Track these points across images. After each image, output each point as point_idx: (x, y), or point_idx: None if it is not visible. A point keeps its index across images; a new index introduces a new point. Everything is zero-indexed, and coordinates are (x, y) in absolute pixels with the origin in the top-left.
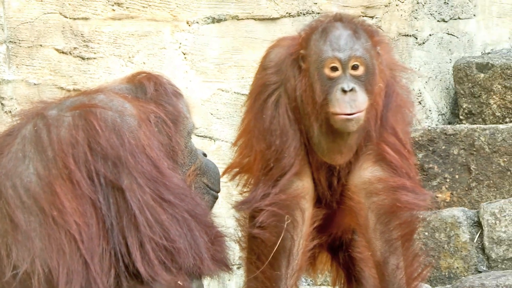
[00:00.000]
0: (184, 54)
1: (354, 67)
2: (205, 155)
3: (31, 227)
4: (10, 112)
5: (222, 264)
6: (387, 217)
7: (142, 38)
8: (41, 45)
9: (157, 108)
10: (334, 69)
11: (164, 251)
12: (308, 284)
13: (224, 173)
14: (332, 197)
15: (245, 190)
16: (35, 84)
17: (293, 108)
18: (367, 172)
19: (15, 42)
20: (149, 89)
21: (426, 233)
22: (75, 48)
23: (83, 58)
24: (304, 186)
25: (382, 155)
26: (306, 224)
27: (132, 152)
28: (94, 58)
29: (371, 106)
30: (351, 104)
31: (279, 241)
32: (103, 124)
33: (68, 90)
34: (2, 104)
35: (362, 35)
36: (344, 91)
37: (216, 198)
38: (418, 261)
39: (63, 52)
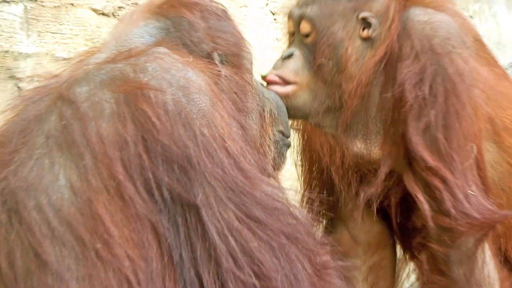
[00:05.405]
0: (273, 14)
1: None
2: (262, 84)
3: (65, 264)
4: None
5: None
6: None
7: None
8: (72, 4)
9: (220, 49)
10: None
11: None
12: None
13: None
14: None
15: None
16: (64, 58)
17: None
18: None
19: (36, 1)
20: (198, 24)
21: None
22: (120, 7)
23: None
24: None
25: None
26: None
27: (208, 148)
28: None
29: None
30: None
31: None
32: (161, 111)
33: None
34: (18, 87)
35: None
36: None
37: (289, 146)
38: None
39: (103, 14)
